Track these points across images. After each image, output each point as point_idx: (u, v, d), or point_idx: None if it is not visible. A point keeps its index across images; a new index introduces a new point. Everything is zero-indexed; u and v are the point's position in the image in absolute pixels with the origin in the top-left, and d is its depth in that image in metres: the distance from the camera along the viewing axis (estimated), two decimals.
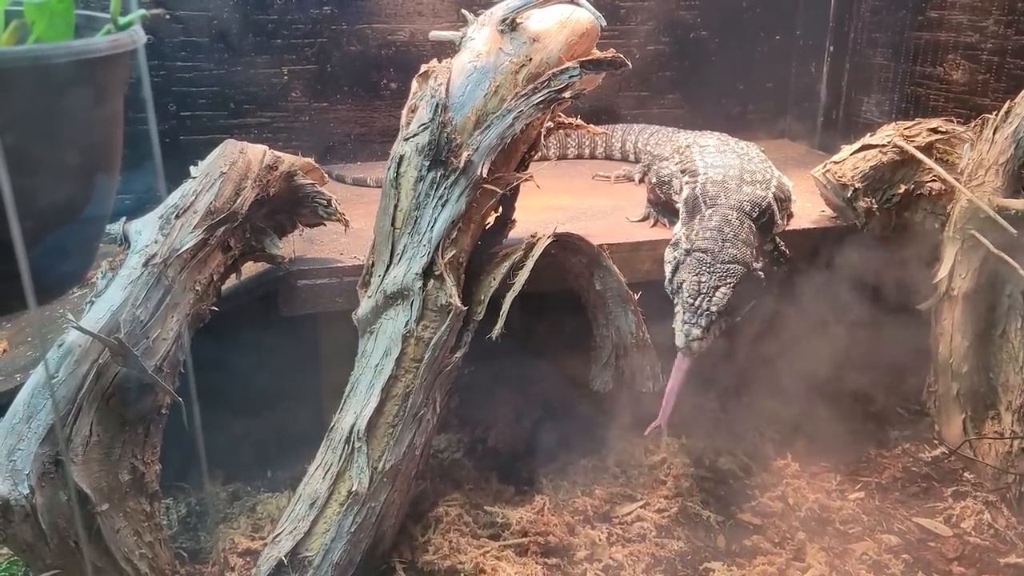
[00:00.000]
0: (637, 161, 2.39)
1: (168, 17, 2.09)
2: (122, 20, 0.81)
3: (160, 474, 1.33)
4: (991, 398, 1.71)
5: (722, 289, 1.51)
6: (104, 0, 1.98)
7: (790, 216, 1.89)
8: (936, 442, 1.80)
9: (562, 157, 2.47)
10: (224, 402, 1.34)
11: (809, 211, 1.96)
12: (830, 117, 2.63)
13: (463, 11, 1.60)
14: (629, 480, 1.72)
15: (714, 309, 1.49)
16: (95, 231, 0.90)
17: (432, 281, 1.40)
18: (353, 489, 1.34)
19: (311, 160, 1.62)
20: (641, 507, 1.63)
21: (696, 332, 1.46)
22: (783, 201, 1.81)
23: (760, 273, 1.58)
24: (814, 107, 2.67)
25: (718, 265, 1.54)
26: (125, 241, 1.35)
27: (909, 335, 1.80)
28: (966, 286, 1.68)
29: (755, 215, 1.68)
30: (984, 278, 1.67)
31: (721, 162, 1.84)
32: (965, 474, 1.72)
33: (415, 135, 1.42)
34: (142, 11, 0.81)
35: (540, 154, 2.15)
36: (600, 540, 1.54)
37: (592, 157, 2.49)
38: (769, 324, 1.80)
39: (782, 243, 1.79)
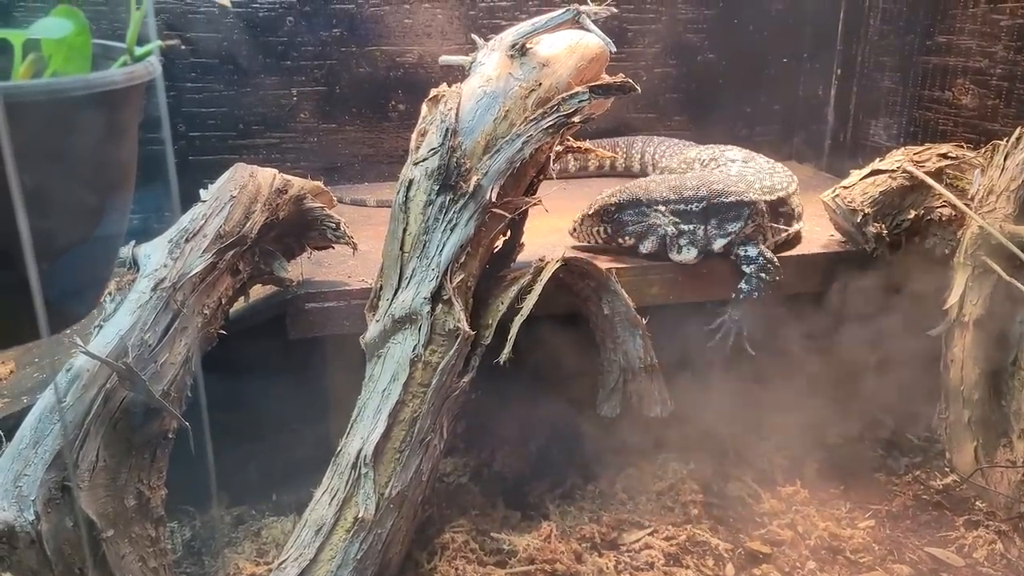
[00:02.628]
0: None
1: (183, 47, 2.11)
2: (138, 51, 0.81)
3: (165, 498, 1.32)
4: (1003, 426, 1.69)
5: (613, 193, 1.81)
6: (117, 26, 2.00)
7: (796, 240, 1.90)
8: (947, 470, 1.78)
9: (582, 169, 2.47)
10: (230, 425, 1.33)
11: (818, 235, 1.95)
12: (838, 140, 2.63)
13: (473, 36, 1.61)
14: (637, 506, 1.70)
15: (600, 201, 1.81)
16: (108, 260, 0.90)
17: (440, 305, 1.39)
18: (359, 515, 1.33)
19: (320, 183, 1.62)
20: (649, 534, 1.61)
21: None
22: (781, 214, 1.83)
23: (660, 221, 1.75)
24: (821, 130, 2.67)
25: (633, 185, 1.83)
26: (134, 264, 1.34)
27: (919, 361, 1.79)
28: (977, 313, 1.67)
29: (718, 192, 1.76)
30: (995, 305, 1.66)
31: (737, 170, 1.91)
32: (977, 503, 1.70)
33: (425, 159, 1.42)
34: (158, 42, 0.81)
35: (559, 167, 2.25)
36: (608, 568, 1.52)
37: (613, 171, 2.49)
38: (779, 349, 1.80)
39: (763, 272, 1.75)
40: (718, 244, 1.75)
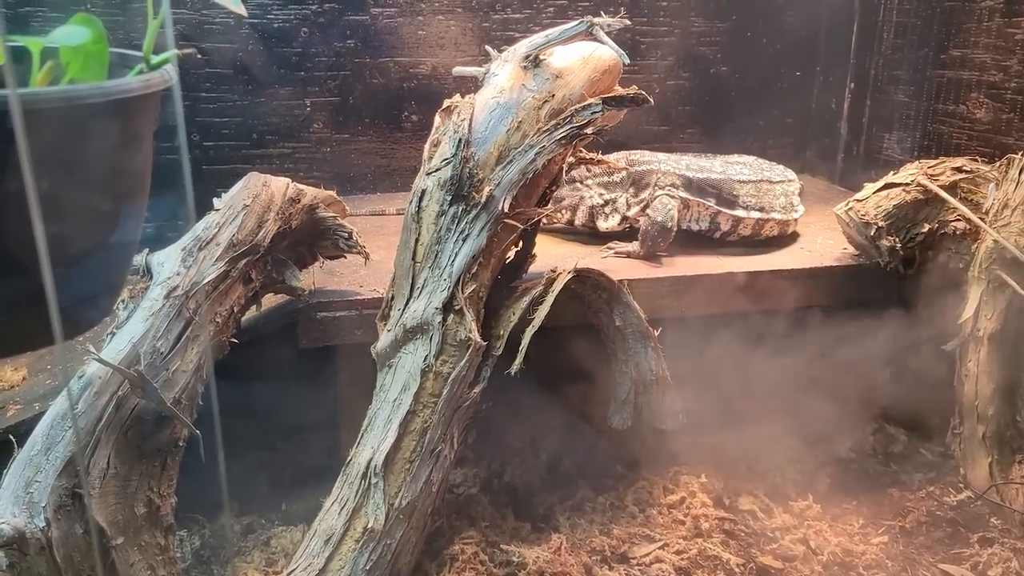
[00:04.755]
0: None
1: (199, 56, 2.12)
2: (154, 59, 0.82)
3: (175, 507, 1.32)
4: (1018, 442, 1.67)
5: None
6: (133, 36, 2.02)
7: (761, 228, 1.97)
8: (961, 486, 1.76)
9: None
10: (240, 433, 1.33)
11: (831, 248, 1.94)
12: (851, 153, 2.62)
13: (487, 47, 1.61)
14: (647, 519, 1.69)
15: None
16: (123, 266, 0.91)
17: (452, 316, 1.39)
18: (369, 526, 1.32)
19: (333, 193, 1.63)
20: (659, 548, 1.60)
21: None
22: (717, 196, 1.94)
23: (588, 193, 1.98)
24: (834, 143, 2.66)
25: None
26: (147, 272, 1.35)
27: (933, 375, 1.77)
28: (992, 327, 1.65)
29: (634, 161, 1.95)
30: (1011, 319, 1.64)
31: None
32: (992, 520, 1.68)
33: (437, 169, 1.43)
34: (174, 51, 0.81)
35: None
36: None
37: None
38: (790, 362, 1.78)
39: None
40: (633, 211, 1.93)
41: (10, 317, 0.77)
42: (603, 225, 1.95)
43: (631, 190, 1.93)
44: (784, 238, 2.04)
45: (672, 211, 1.87)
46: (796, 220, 2.03)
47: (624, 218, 1.94)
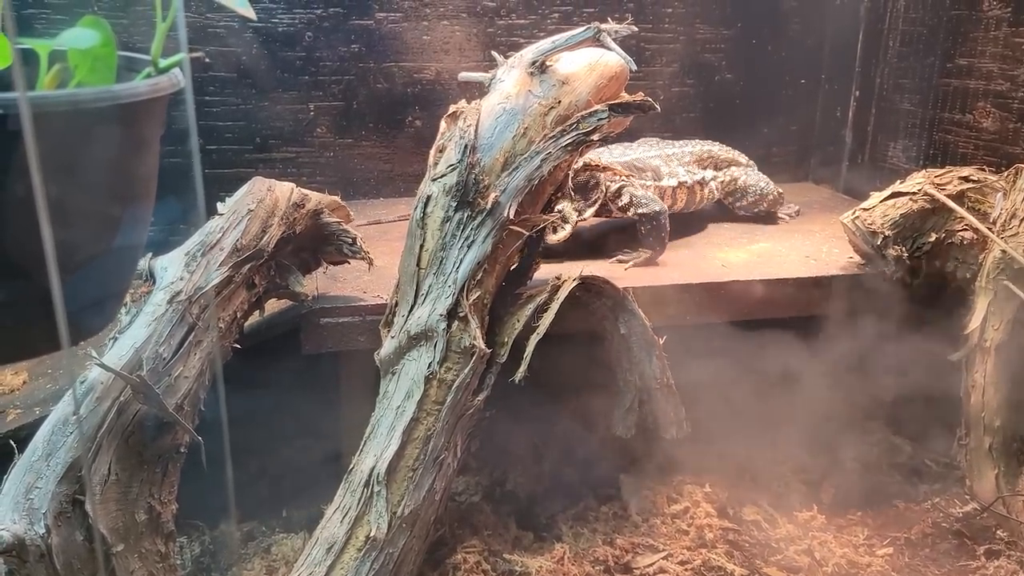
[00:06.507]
0: None
1: (206, 60, 2.12)
2: (163, 63, 0.81)
3: (176, 513, 1.31)
4: None
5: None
6: (136, 38, 2.01)
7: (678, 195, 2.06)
8: (967, 498, 1.75)
9: None
10: (242, 439, 1.32)
11: (836, 257, 1.93)
12: (855, 161, 2.61)
13: (493, 53, 1.61)
14: (651, 529, 1.68)
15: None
16: (128, 271, 0.90)
17: (456, 323, 1.38)
18: (371, 534, 1.31)
19: (337, 198, 1.62)
20: (663, 558, 1.59)
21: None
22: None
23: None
24: (839, 151, 2.66)
25: None
26: (151, 277, 1.34)
27: (939, 386, 1.76)
28: (999, 337, 1.64)
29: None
30: (1018, 330, 1.63)
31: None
32: (998, 532, 1.67)
33: (443, 175, 1.42)
34: (182, 54, 0.81)
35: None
36: None
37: None
38: (794, 371, 1.78)
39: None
40: (588, 213, 1.88)
41: (15, 323, 0.76)
42: (553, 237, 1.79)
43: (577, 196, 1.88)
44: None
45: (651, 193, 1.90)
46: (671, 187, 2.05)
47: (574, 225, 1.86)
